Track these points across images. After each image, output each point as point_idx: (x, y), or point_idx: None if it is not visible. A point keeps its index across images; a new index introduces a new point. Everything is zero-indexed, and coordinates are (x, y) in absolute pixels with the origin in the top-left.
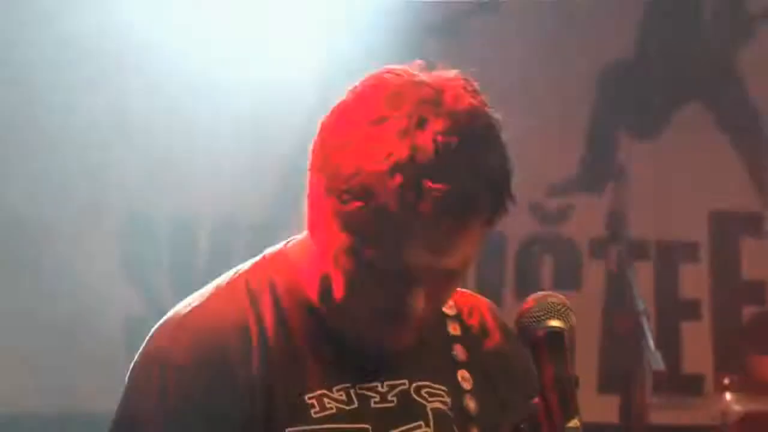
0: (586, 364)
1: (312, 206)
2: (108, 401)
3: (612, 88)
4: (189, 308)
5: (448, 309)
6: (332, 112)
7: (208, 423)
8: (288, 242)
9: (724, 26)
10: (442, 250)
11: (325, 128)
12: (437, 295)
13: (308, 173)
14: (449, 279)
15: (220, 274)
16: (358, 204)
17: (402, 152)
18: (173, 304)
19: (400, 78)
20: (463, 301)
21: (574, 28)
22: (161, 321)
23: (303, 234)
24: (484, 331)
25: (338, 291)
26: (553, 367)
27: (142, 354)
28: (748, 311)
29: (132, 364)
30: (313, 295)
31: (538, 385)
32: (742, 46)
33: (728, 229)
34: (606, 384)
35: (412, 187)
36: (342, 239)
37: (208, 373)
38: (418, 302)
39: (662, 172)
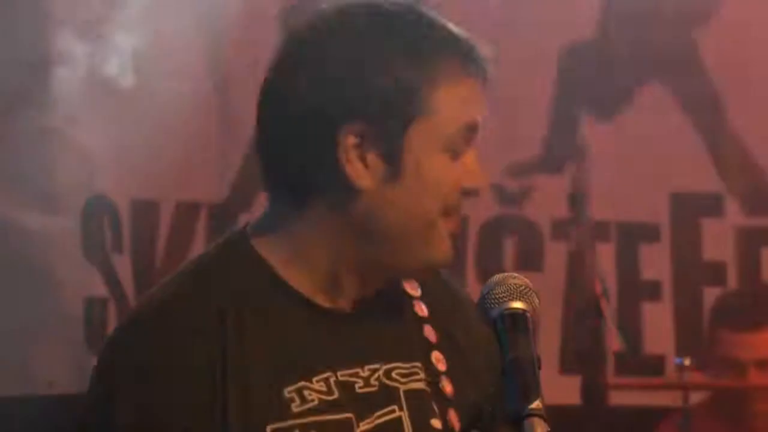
0: (547, 344)
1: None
2: (68, 384)
3: (573, 68)
4: (152, 305)
5: (413, 290)
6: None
7: (178, 420)
8: (246, 225)
9: (686, 7)
10: (481, 107)
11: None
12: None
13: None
14: None
15: (180, 257)
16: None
17: (433, 41)
18: (134, 287)
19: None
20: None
21: (535, 7)
22: (123, 320)
23: (264, 214)
24: (449, 308)
25: (403, 202)
26: (516, 348)
27: (105, 353)
28: (709, 292)
29: (96, 363)
30: (308, 267)
31: (500, 366)
32: (704, 28)
33: (689, 210)
34: (568, 365)
35: (454, 61)
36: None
37: (174, 370)
38: (477, 162)
39: (623, 153)
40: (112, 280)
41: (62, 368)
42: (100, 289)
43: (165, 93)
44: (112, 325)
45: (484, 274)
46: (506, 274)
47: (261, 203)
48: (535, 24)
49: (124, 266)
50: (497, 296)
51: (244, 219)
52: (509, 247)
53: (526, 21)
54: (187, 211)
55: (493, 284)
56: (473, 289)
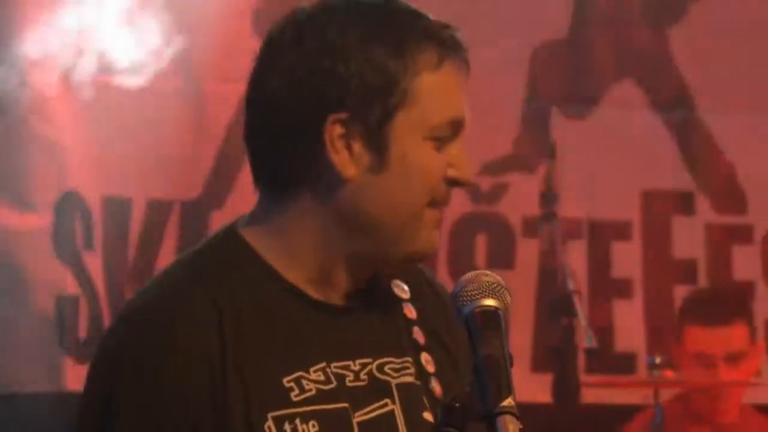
0: (519, 342)
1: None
2: (39, 381)
3: (545, 66)
4: (146, 302)
5: (402, 293)
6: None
7: (179, 414)
8: (237, 221)
9: (657, 6)
10: (462, 99)
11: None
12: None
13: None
14: None
15: (152, 254)
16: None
17: (411, 30)
18: (105, 284)
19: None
20: (412, 279)
21: (507, 7)
22: (118, 316)
23: (255, 208)
24: (434, 309)
25: (387, 196)
26: (488, 345)
27: (101, 352)
28: (680, 289)
29: (91, 362)
30: (304, 260)
31: (472, 364)
32: (675, 24)
33: (660, 208)
34: (540, 363)
35: (433, 49)
36: (404, 126)
37: (174, 365)
38: (464, 154)
39: (595, 151)
40: (83, 277)
41: (33, 366)
42: (72, 287)
43: (137, 91)
44: (83, 323)
45: (456, 271)
46: (478, 271)
47: (234, 201)
48: (507, 23)
49: (95, 263)
50: (469, 294)
51: (216, 217)
52: (481, 245)
53: (498, 20)
54: (158, 209)
55: (466, 282)
56: (445, 286)
